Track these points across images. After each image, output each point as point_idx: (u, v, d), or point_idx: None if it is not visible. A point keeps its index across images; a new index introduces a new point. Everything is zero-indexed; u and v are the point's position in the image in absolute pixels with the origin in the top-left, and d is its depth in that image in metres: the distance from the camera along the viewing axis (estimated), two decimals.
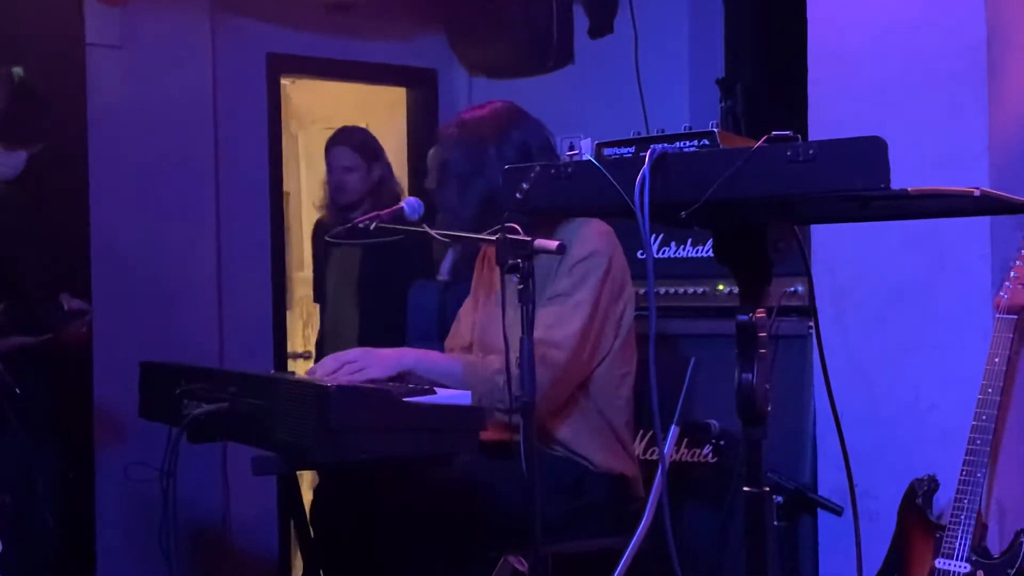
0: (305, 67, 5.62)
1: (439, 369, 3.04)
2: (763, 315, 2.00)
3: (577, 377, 3.15)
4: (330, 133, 5.27)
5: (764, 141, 1.79)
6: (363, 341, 4.74)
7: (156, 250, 4.83)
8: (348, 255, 5.06)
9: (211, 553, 4.96)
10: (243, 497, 4.86)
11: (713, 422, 3.68)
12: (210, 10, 5.08)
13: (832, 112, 3.50)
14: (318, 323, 5.59)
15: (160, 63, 4.88)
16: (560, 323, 3.08)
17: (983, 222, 3.18)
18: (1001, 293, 3.05)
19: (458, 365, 3.05)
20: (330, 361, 3.05)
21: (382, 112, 6.76)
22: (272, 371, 4.59)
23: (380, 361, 3.03)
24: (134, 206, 4.79)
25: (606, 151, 2.00)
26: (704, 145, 1.89)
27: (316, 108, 7.19)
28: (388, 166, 5.21)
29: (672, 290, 3.94)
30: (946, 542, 2.96)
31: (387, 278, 4.87)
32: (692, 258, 3.93)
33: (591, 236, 3.17)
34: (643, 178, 1.83)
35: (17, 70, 3.85)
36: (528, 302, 2.54)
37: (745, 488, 2.03)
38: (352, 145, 5.11)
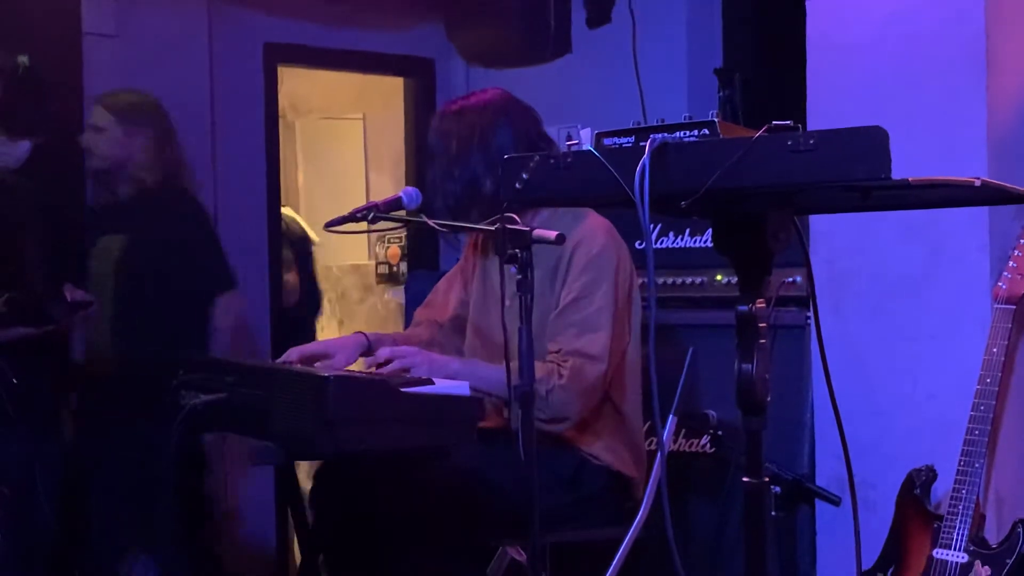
0: (302, 56, 5.60)
1: (484, 376, 3.04)
2: (763, 305, 2.00)
3: (607, 383, 3.17)
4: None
5: (765, 131, 1.78)
6: (115, 346, 4.24)
7: None
8: (111, 244, 4.32)
9: (210, 542, 4.96)
10: (241, 487, 4.87)
11: (711, 412, 3.68)
12: None
13: (831, 102, 3.50)
14: None
15: (157, 52, 4.86)
16: (587, 331, 3.08)
17: (982, 212, 3.18)
18: (999, 283, 3.05)
19: (502, 372, 3.02)
20: (386, 352, 3.06)
21: (379, 101, 6.75)
22: (270, 361, 4.58)
23: (431, 363, 3.04)
24: None
25: (606, 141, 1.99)
26: (704, 135, 1.89)
27: (313, 97, 7.18)
28: (161, 141, 4.35)
29: (670, 280, 3.94)
30: (944, 532, 2.96)
31: (153, 277, 4.23)
32: (690, 248, 3.92)
33: (595, 233, 3.17)
34: (643, 168, 1.83)
35: (22, 59, 3.84)
36: (527, 292, 2.54)
37: (745, 479, 2.03)
38: (108, 104, 4.32)
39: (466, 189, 3.19)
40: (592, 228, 3.18)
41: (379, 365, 3.05)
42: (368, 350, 3.28)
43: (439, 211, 3.23)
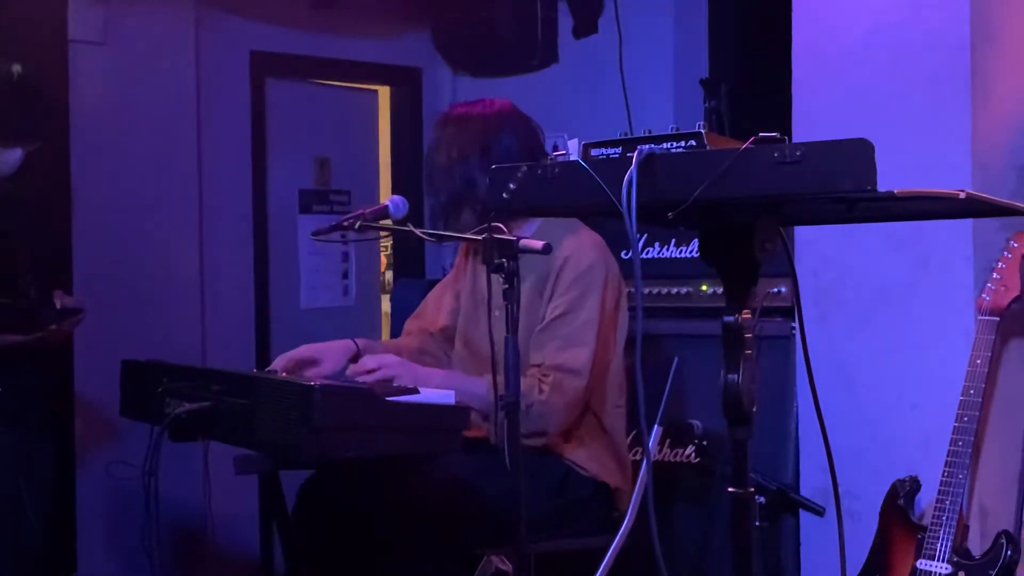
0: (289, 65, 5.60)
1: (465, 390, 3.04)
2: (749, 316, 2.00)
3: (588, 397, 3.17)
4: None
5: (751, 142, 1.79)
6: None
7: (139, 248, 4.81)
8: None
9: (193, 551, 4.94)
10: (225, 496, 4.84)
11: (696, 422, 3.69)
12: (194, 7, 5.06)
13: (816, 113, 3.51)
14: None
15: (143, 60, 4.86)
16: (571, 346, 3.09)
17: (966, 224, 3.19)
18: (983, 295, 3.06)
19: (483, 386, 3.03)
20: (371, 361, 3.09)
21: None
22: (254, 370, 4.58)
23: (414, 375, 3.05)
24: (116, 203, 4.77)
25: (593, 151, 2.00)
26: (691, 146, 1.89)
27: None
28: None
29: (656, 290, 3.95)
30: (928, 543, 2.97)
31: None
32: (676, 259, 3.93)
33: (585, 248, 3.17)
34: (630, 179, 1.83)
35: (16, 67, 3.82)
36: (513, 301, 2.54)
37: (730, 488, 2.03)
38: None
39: (463, 188, 3.20)
40: (582, 243, 3.19)
41: (365, 373, 3.06)
42: (356, 356, 3.28)
43: (433, 208, 3.25)
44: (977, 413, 2.97)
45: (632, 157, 1.85)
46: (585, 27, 5.25)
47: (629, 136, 1.98)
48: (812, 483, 3.55)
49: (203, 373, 2.97)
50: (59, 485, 4.26)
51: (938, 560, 2.94)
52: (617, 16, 5.07)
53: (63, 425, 4.47)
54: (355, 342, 3.34)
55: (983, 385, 2.98)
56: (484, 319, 3.06)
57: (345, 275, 5.87)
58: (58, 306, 3.81)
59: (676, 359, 3.32)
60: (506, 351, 2.56)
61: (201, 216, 5.07)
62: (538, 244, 2.63)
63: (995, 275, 3.06)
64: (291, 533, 3.31)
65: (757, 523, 3.47)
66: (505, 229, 2.61)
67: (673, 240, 3.94)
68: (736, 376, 1.98)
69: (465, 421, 2.79)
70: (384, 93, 6.15)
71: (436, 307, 3.55)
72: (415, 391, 2.74)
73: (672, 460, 3.80)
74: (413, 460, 2.91)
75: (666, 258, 3.95)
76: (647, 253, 3.98)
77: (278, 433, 2.57)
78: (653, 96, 5.02)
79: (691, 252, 3.88)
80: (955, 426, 2.98)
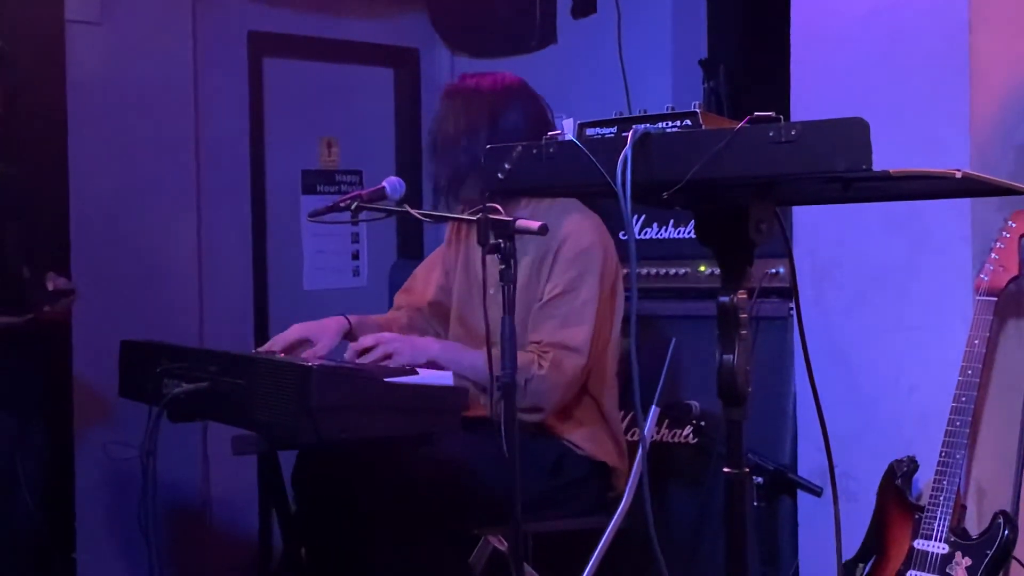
0: (286, 46, 5.58)
1: (462, 362, 3.04)
2: (744, 296, 2.00)
3: (587, 375, 3.17)
4: None
5: (746, 122, 1.78)
6: None
7: (136, 229, 4.80)
8: None
9: (191, 532, 4.96)
10: (223, 476, 4.86)
11: (694, 403, 3.69)
12: None
13: (814, 93, 3.51)
14: None
15: (141, 40, 4.84)
16: (569, 324, 3.09)
17: (964, 204, 3.19)
18: (982, 275, 3.06)
19: (481, 358, 3.02)
20: (369, 339, 3.09)
21: None
22: (253, 350, 4.57)
23: (412, 347, 3.04)
24: (114, 184, 4.76)
25: (588, 131, 1.99)
26: (687, 126, 1.88)
27: None
28: None
29: (654, 271, 3.95)
30: (925, 523, 2.97)
31: None
32: (674, 239, 3.93)
33: (584, 228, 3.17)
34: (625, 158, 1.82)
35: None
36: (510, 282, 2.54)
37: (725, 469, 2.03)
38: None
39: (467, 163, 3.19)
40: (581, 223, 3.18)
41: (362, 351, 3.06)
42: (350, 332, 3.28)
43: (436, 182, 3.24)
44: (975, 393, 2.97)
45: (627, 137, 1.85)
46: (583, 7, 5.23)
47: (624, 115, 1.97)
48: (809, 463, 3.55)
49: (201, 354, 2.97)
50: (57, 466, 4.26)
51: (935, 540, 2.95)
52: None
53: (61, 406, 4.48)
54: (347, 319, 3.34)
55: (980, 365, 2.98)
56: (480, 299, 3.06)
57: (356, 256, 5.85)
58: (50, 287, 3.80)
59: (673, 340, 3.32)
60: (502, 332, 2.55)
61: (199, 197, 5.06)
62: (535, 224, 2.62)
63: (993, 255, 3.06)
64: (288, 514, 3.31)
65: (755, 503, 3.51)
66: (501, 209, 2.60)
67: (671, 220, 3.94)
68: (731, 356, 1.98)
69: (463, 402, 2.79)
70: None
71: (425, 282, 3.56)
72: (413, 372, 2.74)
73: (670, 440, 3.81)
74: (410, 440, 2.90)
75: (664, 239, 3.95)
76: (645, 234, 3.97)
77: (275, 414, 2.57)
78: (652, 76, 5.00)
79: (689, 233, 3.88)
80: (952, 406, 2.98)
